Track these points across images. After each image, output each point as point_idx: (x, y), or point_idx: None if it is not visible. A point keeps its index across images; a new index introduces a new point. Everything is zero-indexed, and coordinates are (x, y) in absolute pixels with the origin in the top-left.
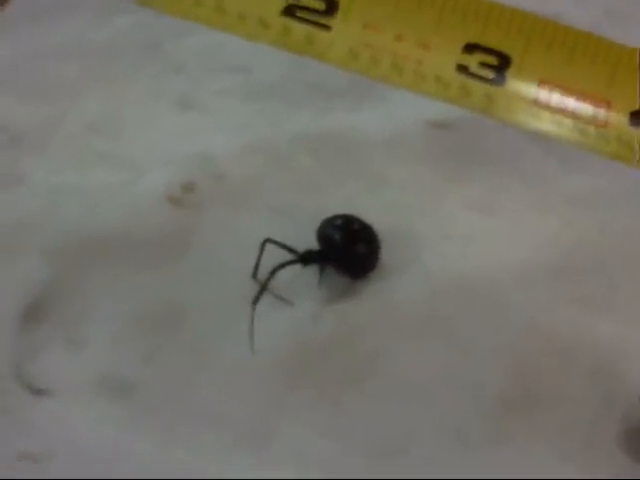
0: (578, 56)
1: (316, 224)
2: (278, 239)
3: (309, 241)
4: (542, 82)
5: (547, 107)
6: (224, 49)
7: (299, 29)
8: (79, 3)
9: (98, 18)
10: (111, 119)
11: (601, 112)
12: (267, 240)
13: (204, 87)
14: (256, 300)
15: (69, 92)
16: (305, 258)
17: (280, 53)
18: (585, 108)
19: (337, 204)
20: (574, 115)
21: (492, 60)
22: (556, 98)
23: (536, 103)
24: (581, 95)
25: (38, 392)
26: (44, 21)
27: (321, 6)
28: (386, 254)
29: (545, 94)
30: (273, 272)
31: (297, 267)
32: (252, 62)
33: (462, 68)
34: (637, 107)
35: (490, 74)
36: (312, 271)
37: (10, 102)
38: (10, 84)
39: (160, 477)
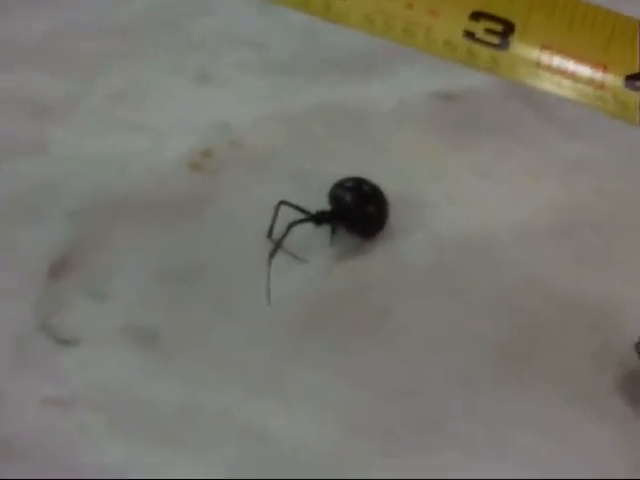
0: (577, 23)
1: (328, 188)
2: (292, 201)
3: (322, 204)
4: (544, 47)
5: (548, 69)
6: (240, 26)
7: None
8: None
9: None
10: (133, 92)
11: (598, 75)
12: (282, 202)
13: (221, 62)
14: (272, 255)
15: (92, 67)
16: (318, 218)
17: (295, 30)
18: (583, 71)
19: (348, 170)
20: (573, 77)
21: (497, 27)
22: (557, 61)
23: (538, 65)
24: (580, 59)
25: (64, 342)
26: (67, 2)
27: None
28: (394, 216)
29: (546, 57)
30: (288, 229)
31: (310, 227)
32: (267, 38)
33: (469, 34)
34: (631, 71)
35: (495, 40)
36: (324, 231)
37: (35, 76)
38: (35, 60)
39: (181, 421)
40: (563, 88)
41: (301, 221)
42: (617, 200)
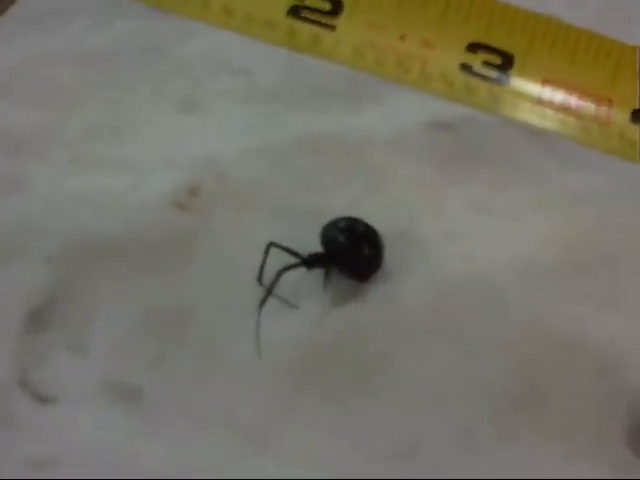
0: (580, 55)
1: (320, 225)
2: (282, 240)
3: (313, 242)
4: (545, 81)
5: (550, 105)
6: (224, 52)
7: (305, 29)
8: (79, 8)
9: (98, 23)
10: (114, 123)
11: (603, 110)
12: (271, 244)
13: (206, 90)
14: (262, 303)
15: (71, 97)
16: (310, 261)
17: (281, 55)
18: (588, 106)
19: (340, 205)
20: (577, 113)
21: (495, 59)
22: (559, 97)
23: (539, 102)
24: (583, 94)
25: (43, 399)
26: (45, 27)
27: (326, 6)
28: (390, 256)
29: (548, 93)
30: (278, 275)
31: (302, 271)
32: (253, 64)
33: (466, 67)
34: (638, 105)
35: (493, 73)
36: (317, 274)
37: (12, 108)
38: (12, 90)
39: None
40: (566, 126)
41: (292, 266)
42: (621, 233)
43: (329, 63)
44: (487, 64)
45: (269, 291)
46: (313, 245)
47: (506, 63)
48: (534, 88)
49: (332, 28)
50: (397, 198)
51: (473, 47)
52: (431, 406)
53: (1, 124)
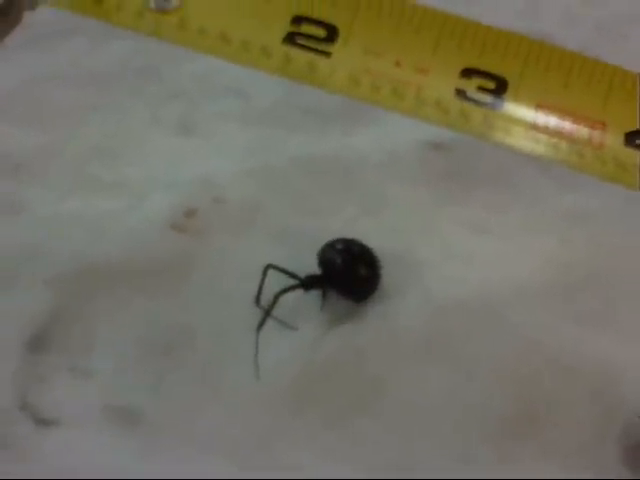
0: (573, 79)
1: (316, 246)
2: (279, 262)
3: (310, 263)
4: (539, 105)
5: (545, 130)
6: (221, 74)
7: (300, 56)
8: (75, 30)
9: (95, 45)
10: (112, 145)
11: (597, 134)
12: (269, 266)
13: (202, 112)
14: (260, 326)
15: (68, 119)
16: (307, 283)
17: (277, 78)
18: (581, 130)
19: (336, 227)
20: (571, 138)
21: (489, 84)
22: (553, 121)
23: (534, 127)
24: (577, 118)
25: (44, 422)
26: (41, 48)
27: (321, 33)
28: (387, 277)
29: (542, 118)
30: (276, 298)
31: (299, 292)
32: (249, 87)
33: (460, 92)
34: (631, 128)
35: (488, 98)
36: (314, 295)
37: (10, 129)
38: (9, 112)
39: None
40: (560, 151)
41: (289, 288)
42: (616, 254)
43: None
44: (481, 89)
45: (267, 313)
46: (310, 267)
47: (500, 88)
48: (528, 113)
49: (328, 55)
50: (392, 219)
51: (467, 72)
52: (428, 429)
53: (1, 146)
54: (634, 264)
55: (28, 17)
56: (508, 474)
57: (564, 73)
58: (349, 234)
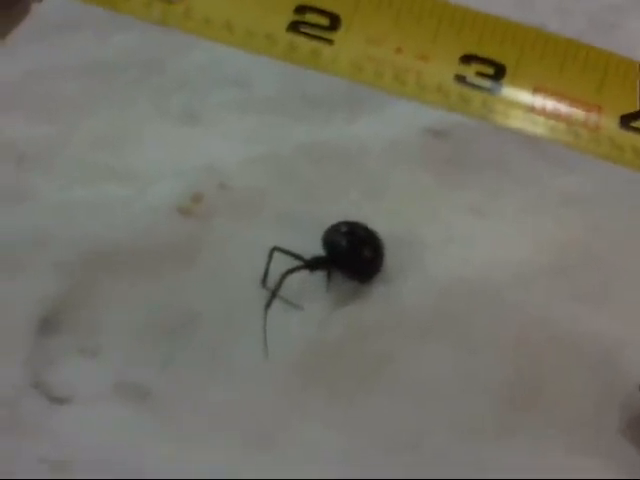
0: (569, 64)
1: (319, 231)
2: (284, 246)
3: (314, 247)
4: (536, 89)
5: (542, 113)
6: (224, 64)
7: (304, 44)
8: (81, 22)
9: (100, 36)
10: (117, 134)
11: (592, 116)
12: (275, 248)
13: (207, 101)
14: (268, 305)
15: (74, 110)
16: (313, 264)
17: (279, 67)
18: (577, 113)
19: (339, 212)
20: (568, 120)
21: (488, 70)
22: (550, 104)
23: (532, 109)
24: (573, 101)
25: (56, 400)
26: (48, 41)
27: (325, 21)
28: (390, 258)
29: (540, 101)
30: (283, 278)
31: (305, 273)
32: (252, 76)
33: (460, 78)
34: (626, 111)
35: (487, 83)
36: (320, 277)
37: (17, 121)
38: (16, 103)
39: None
40: (558, 132)
41: (296, 269)
42: (612, 235)
43: (327, 75)
44: (480, 74)
45: (274, 293)
46: (315, 250)
47: (498, 73)
48: (526, 96)
49: (331, 42)
50: (395, 203)
51: (466, 59)
52: (432, 402)
53: (8, 137)
54: (630, 243)
55: (36, 8)
56: (510, 445)
57: (560, 59)
58: (353, 218)
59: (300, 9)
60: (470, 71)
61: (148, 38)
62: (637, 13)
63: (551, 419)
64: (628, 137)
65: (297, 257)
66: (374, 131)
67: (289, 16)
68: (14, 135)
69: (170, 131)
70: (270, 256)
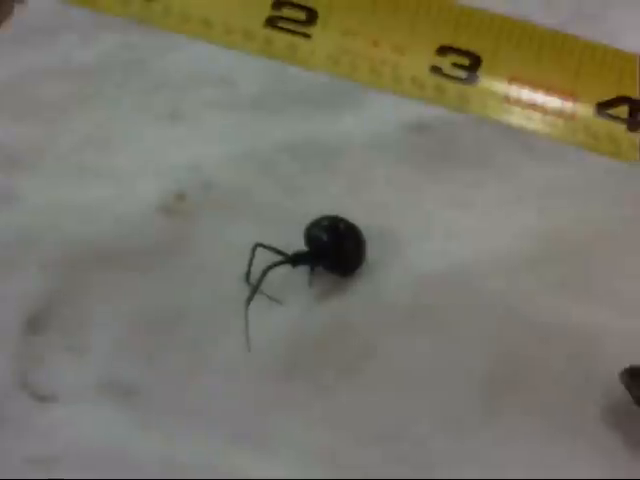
0: (545, 53)
1: (302, 227)
2: (267, 243)
3: (297, 243)
4: (512, 79)
5: (518, 102)
6: (205, 63)
7: (281, 39)
8: (65, 24)
9: (84, 38)
10: (100, 135)
11: (568, 105)
12: (257, 244)
13: (189, 100)
14: (249, 300)
15: (59, 111)
16: (295, 259)
17: (262, 65)
18: (553, 102)
19: (322, 207)
20: (543, 109)
21: (464, 60)
22: (526, 94)
23: (507, 99)
24: (549, 90)
25: (43, 399)
26: (32, 43)
27: (301, 16)
28: (372, 252)
29: (515, 90)
30: (265, 272)
31: (287, 269)
32: (235, 75)
33: (436, 69)
34: (602, 99)
35: (462, 74)
36: (302, 270)
37: (2, 123)
38: (1, 105)
39: (165, 477)
40: (533, 122)
41: (277, 264)
42: (595, 226)
43: (308, 71)
44: (456, 65)
45: (255, 288)
46: (298, 246)
47: (474, 64)
48: (501, 86)
49: (308, 37)
50: (376, 198)
51: (442, 50)
52: (414, 394)
53: None
54: (611, 234)
55: (18, 10)
56: (492, 433)
57: (536, 47)
58: (335, 213)
59: (277, 4)
60: (446, 62)
61: (130, 39)
62: (622, 4)
63: (533, 407)
64: (604, 125)
65: (279, 252)
66: (356, 127)
67: (266, 11)
68: None
69: (154, 131)
70: (253, 252)
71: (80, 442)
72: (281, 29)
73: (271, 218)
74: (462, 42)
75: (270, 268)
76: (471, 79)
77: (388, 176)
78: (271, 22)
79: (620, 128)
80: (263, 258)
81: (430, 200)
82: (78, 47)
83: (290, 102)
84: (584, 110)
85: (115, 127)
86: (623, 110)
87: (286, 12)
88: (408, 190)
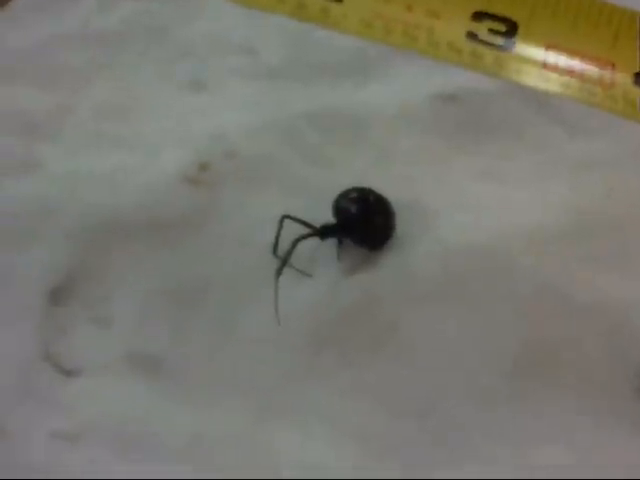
0: (582, 21)
1: (328, 198)
2: (294, 214)
3: (323, 215)
4: (549, 46)
5: (555, 69)
6: (229, 32)
7: (314, 2)
8: None
9: (104, 4)
10: (123, 103)
11: (607, 73)
12: (285, 216)
13: (212, 69)
14: (279, 273)
15: (81, 78)
16: (323, 231)
17: (285, 33)
18: (591, 70)
19: (348, 179)
20: (581, 77)
21: (500, 27)
22: (563, 61)
23: (544, 66)
24: (586, 58)
25: (67, 372)
26: (52, 10)
27: None
28: (400, 225)
29: (552, 57)
30: (293, 245)
31: (316, 241)
32: (258, 43)
33: (472, 35)
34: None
35: (499, 40)
36: (330, 243)
37: (22, 91)
38: (21, 73)
39: (192, 449)
40: (571, 89)
41: (306, 236)
42: (628, 199)
43: (334, 40)
44: (492, 31)
45: (285, 260)
46: (325, 218)
47: (510, 30)
48: (538, 53)
49: (340, 0)
50: (405, 170)
51: (478, 16)
52: (444, 367)
53: (13, 107)
54: None
55: None
56: (523, 408)
57: (573, 15)
58: (363, 185)
59: None
60: (482, 28)
61: (152, 5)
62: None
63: (565, 383)
64: None
65: (307, 225)
66: (383, 97)
67: None
68: (20, 105)
69: (176, 99)
70: (280, 224)
71: (105, 415)
72: None
73: (296, 188)
74: (498, 8)
75: (299, 240)
76: (508, 46)
77: (416, 147)
78: None
79: None
80: (290, 230)
81: (460, 172)
82: (99, 13)
83: (315, 71)
84: (622, 79)
85: (137, 95)
86: None
87: None
88: (437, 162)
